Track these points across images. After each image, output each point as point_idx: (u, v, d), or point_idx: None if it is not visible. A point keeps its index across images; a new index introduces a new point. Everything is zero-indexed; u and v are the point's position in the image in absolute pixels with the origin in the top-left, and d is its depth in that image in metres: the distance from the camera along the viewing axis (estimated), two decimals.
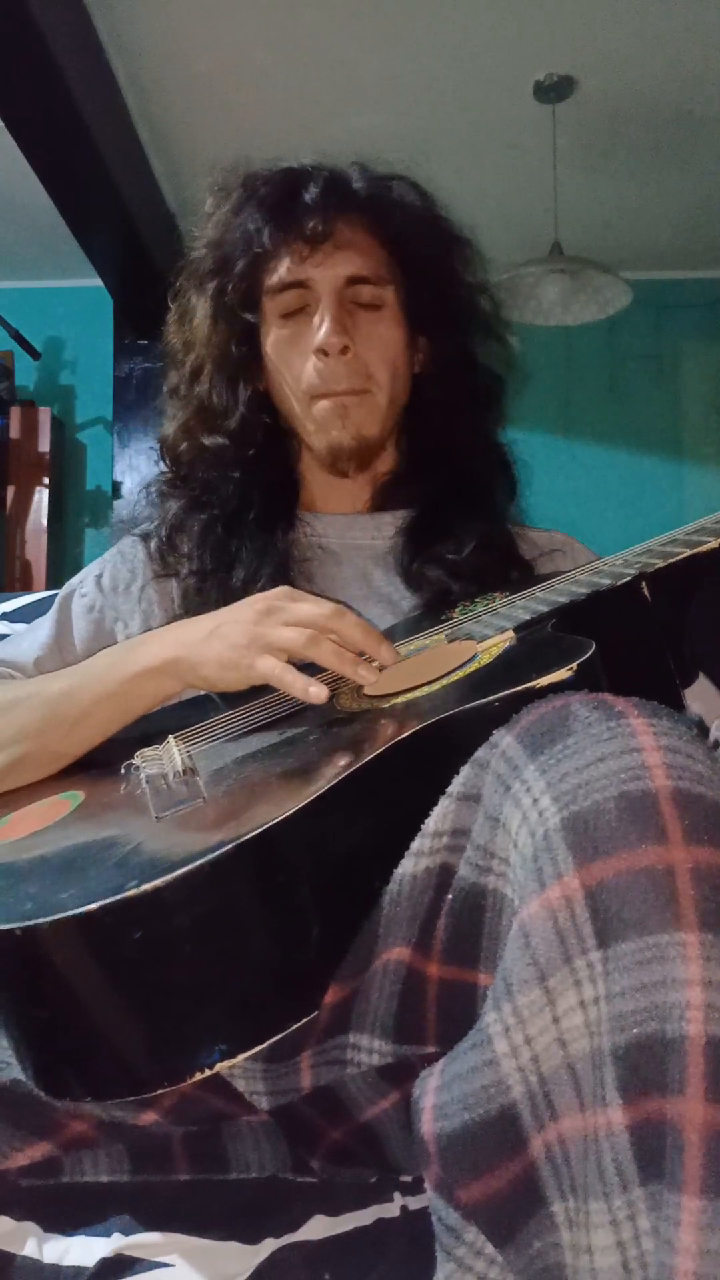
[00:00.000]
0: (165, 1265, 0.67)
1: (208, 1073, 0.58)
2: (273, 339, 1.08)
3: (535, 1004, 0.51)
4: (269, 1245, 0.69)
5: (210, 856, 0.57)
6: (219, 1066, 0.59)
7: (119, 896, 0.56)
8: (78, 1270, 0.68)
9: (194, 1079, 0.58)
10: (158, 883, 0.56)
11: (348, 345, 1.04)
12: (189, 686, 0.87)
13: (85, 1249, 0.69)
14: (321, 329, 1.04)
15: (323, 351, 1.04)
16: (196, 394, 1.12)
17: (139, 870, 0.58)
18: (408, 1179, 0.74)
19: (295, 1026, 0.61)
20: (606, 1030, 0.49)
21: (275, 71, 3.01)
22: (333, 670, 0.80)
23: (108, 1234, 0.70)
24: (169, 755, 0.78)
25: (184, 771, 0.74)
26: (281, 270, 1.06)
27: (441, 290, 1.11)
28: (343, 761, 0.65)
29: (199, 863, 0.57)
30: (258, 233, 1.05)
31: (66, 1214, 0.72)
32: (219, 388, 1.11)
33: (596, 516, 3.79)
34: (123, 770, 0.80)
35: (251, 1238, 0.69)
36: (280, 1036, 0.60)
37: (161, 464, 1.17)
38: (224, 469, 1.11)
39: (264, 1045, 0.60)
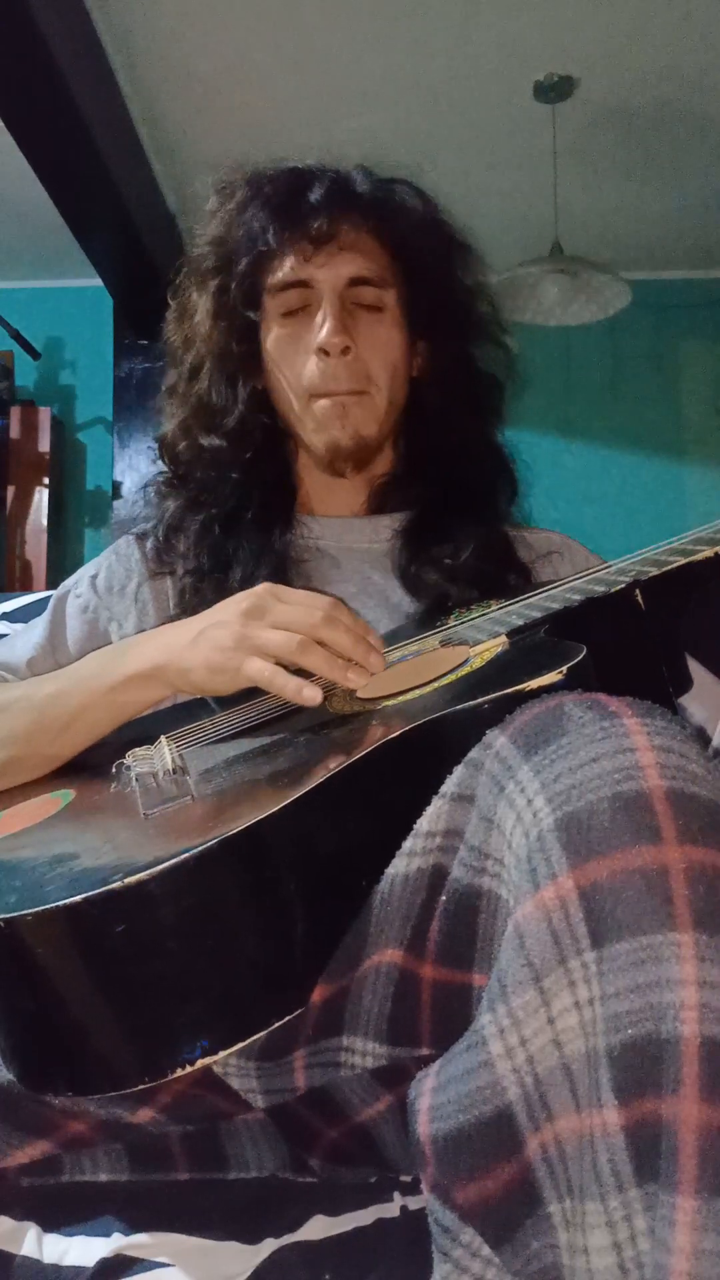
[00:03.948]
0: (165, 1265, 0.67)
1: (190, 1069, 0.59)
2: (273, 337, 1.08)
3: (530, 1005, 0.51)
4: (269, 1245, 0.69)
5: (195, 851, 0.57)
6: (201, 1063, 0.59)
7: (103, 889, 0.56)
8: (77, 1270, 0.68)
9: (176, 1074, 0.59)
10: (142, 876, 0.56)
11: (349, 346, 1.04)
12: (178, 691, 0.87)
13: (85, 1249, 0.69)
14: (323, 329, 1.04)
15: (324, 351, 1.04)
16: (195, 391, 1.12)
17: (124, 864, 0.59)
18: (407, 1179, 0.74)
19: (279, 1024, 0.61)
20: (601, 1031, 0.49)
21: (275, 71, 3.01)
22: (323, 676, 0.80)
23: (107, 1234, 0.70)
24: (160, 754, 0.78)
25: (174, 770, 0.74)
26: (284, 269, 1.06)
27: (442, 295, 1.11)
28: (333, 763, 0.66)
29: (183, 857, 0.57)
30: (262, 231, 1.05)
31: (66, 1214, 0.72)
32: (218, 385, 1.11)
33: (596, 516, 3.80)
34: (114, 769, 0.81)
35: (251, 1238, 0.69)
36: (264, 1033, 0.61)
37: (160, 463, 1.17)
38: (222, 469, 1.11)
39: (247, 1042, 0.60)
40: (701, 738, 0.86)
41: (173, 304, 1.15)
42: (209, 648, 0.81)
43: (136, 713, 0.90)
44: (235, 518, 1.09)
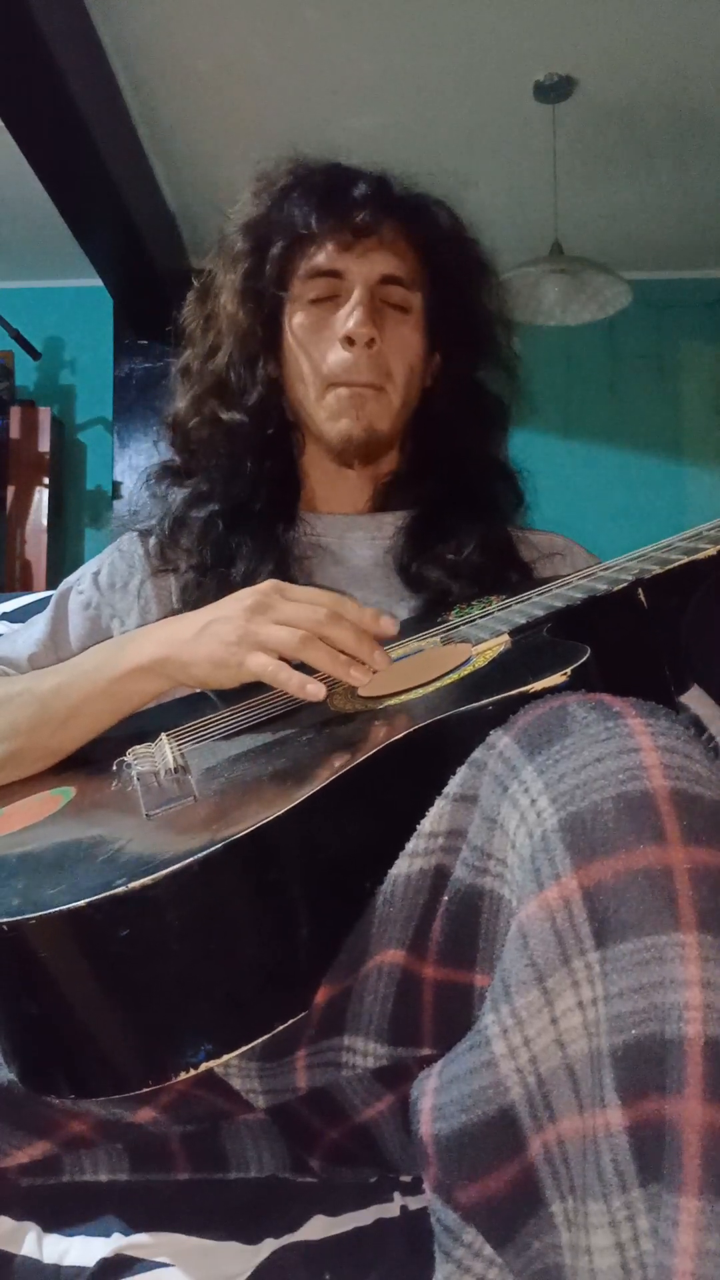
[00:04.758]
0: (165, 1265, 0.67)
1: (193, 1072, 0.58)
2: (299, 321, 1.09)
3: (533, 1005, 0.51)
4: (269, 1245, 0.69)
5: (199, 855, 0.57)
6: (205, 1066, 0.59)
7: (107, 893, 0.56)
8: (77, 1270, 0.68)
9: (180, 1078, 0.58)
10: (146, 880, 0.56)
11: (375, 338, 1.05)
12: (180, 685, 0.87)
13: (85, 1249, 0.69)
14: (352, 318, 1.05)
15: (350, 340, 1.05)
16: (213, 370, 1.12)
17: (128, 867, 0.58)
18: (407, 1179, 0.74)
19: (283, 1026, 0.61)
20: (605, 1031, 0.49)
21: (275, 71, 3.01)
22: (325, 672, 0.80)
23: (107, 1234, 0.70)
24: (161, 753, 0.78)
25: (175, 769, 0.74)
26: (320, 256, 1.07)
27: (463, 311, 1.13)
28: (336, 762, 0.65)
29: (188, 861, 0.57)
30: (305, 215, 1.07)
31: (66, 1214, 0.72)
32: (237, 366, 1.11)
33: (596, 516, 3.78)
34: (115, 767, 0.80)
35: (251, 1238, 0.69)
36: (268, 1036, 0.60)
37: (164, 443, 1.17)
38: (234, 453, 1.12)
39: (251, 1045, 0.60)
40: (713, 748, 0.86)
41: (195, 283, 1.15)
42: (212, 642, 0.81)
43: (139, 705, 0.90)
44: (239, 513, 1.09)
